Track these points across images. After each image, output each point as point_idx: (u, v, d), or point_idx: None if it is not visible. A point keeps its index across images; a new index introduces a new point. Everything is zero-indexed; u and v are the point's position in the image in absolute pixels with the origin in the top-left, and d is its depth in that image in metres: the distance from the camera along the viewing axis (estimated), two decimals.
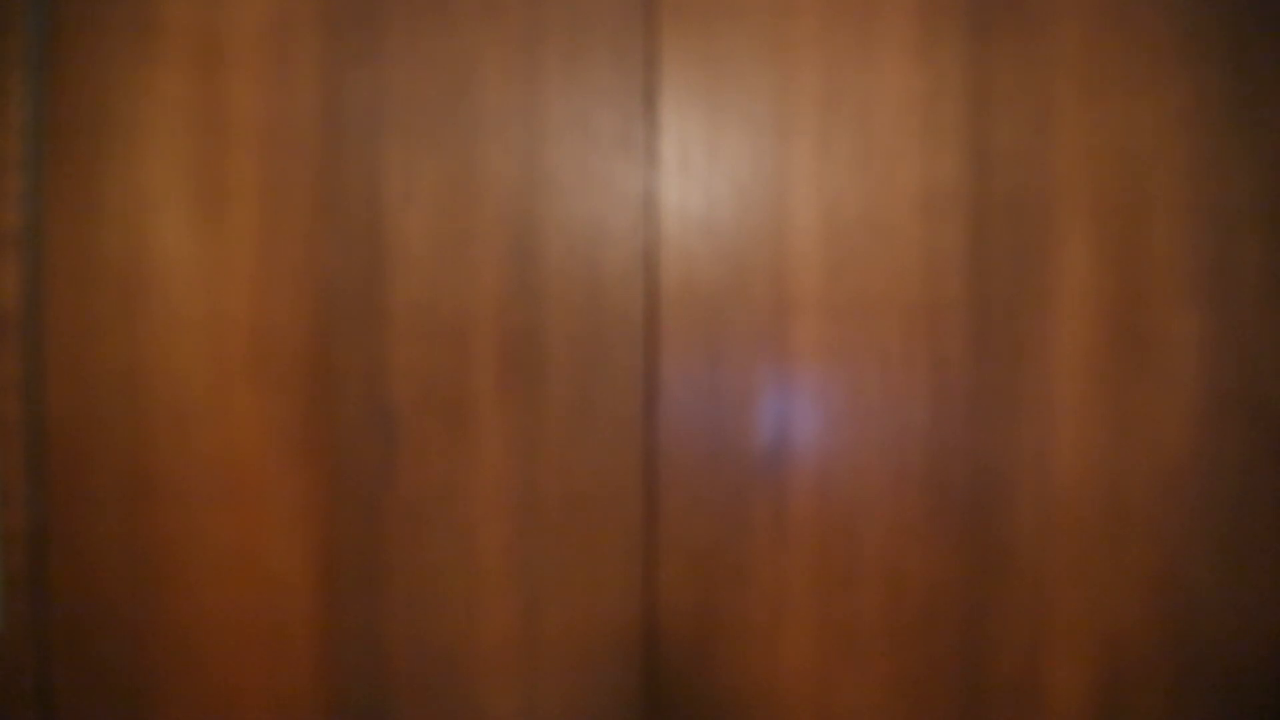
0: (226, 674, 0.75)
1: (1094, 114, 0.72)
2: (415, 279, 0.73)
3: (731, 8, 0.72)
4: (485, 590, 0.74)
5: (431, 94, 0.73)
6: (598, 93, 0.73)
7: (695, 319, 0.73)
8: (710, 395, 0.73)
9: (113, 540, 0.74)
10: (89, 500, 0.74)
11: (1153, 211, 0.72)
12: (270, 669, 0.74)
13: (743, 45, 0.73)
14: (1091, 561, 0.73)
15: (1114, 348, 0.72)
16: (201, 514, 0.74)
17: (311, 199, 0.73)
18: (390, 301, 0.73)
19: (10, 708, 0.74)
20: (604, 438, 0.73)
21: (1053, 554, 0.73)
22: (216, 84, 0.73)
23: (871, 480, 0.73)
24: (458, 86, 0.73)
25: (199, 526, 0.74)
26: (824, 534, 0.73)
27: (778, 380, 0.73)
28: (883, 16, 0.72)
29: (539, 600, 0.74)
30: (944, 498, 0.73)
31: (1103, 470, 0.72)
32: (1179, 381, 0.72)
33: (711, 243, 0.73)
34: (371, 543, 0.74)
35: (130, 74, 0.73)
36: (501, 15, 0.73)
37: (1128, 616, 0.73)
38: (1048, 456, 0.72)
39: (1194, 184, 0.72)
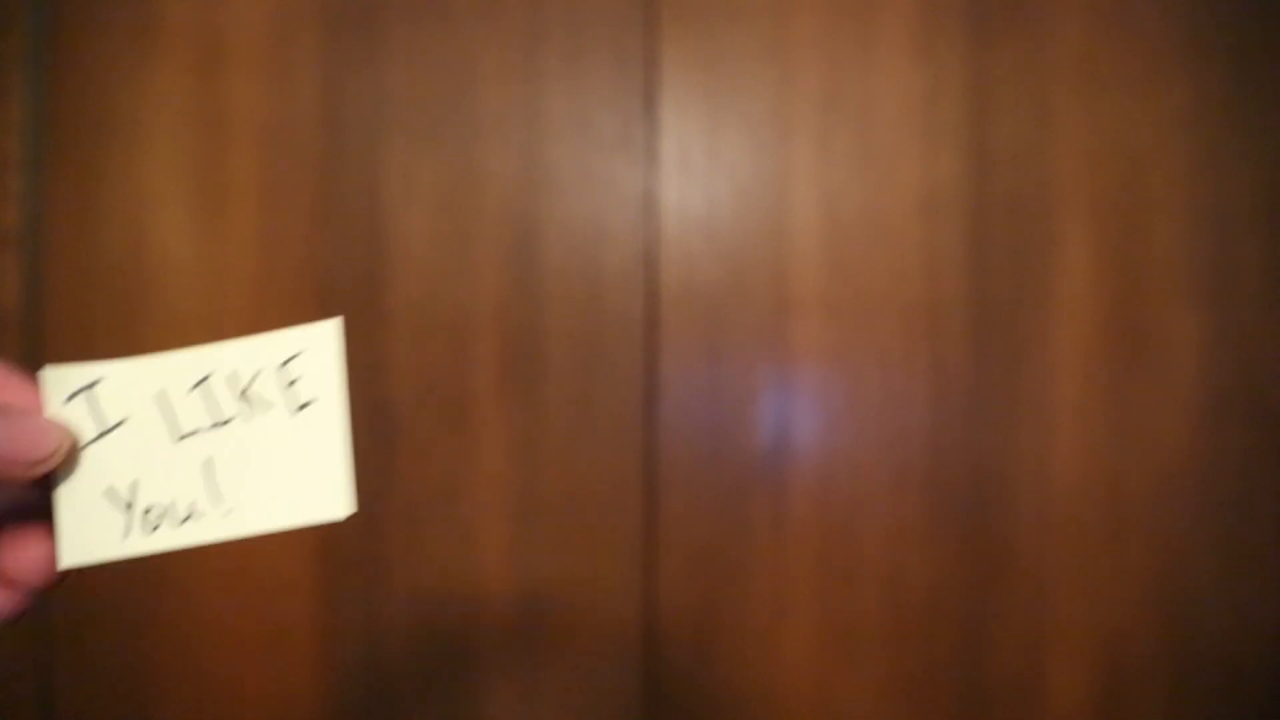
0: (226, 674, 0.75)
1: (1094, 114, 0.72)
2: (415, 279, 0.73)
3: (731, 8, 0.72)
4: (485, 590, 0.74)
5: (431, 94, 0.73)
6: (598, 93, 0.73)
7: (695, 319, 0.73)
8: (710, 395, 0.73)
9: None
10: None
11: (1153, 211, 0.72)
12: (270, 669, 0.74)
13: (743, 45, 0.73)
14: (1091, 561, 0.73)
15: (1114, 348, 0.72)
16: None
17: (311, 199, 0.73)
18: (390, 301, 0.73)
19: (10, 708, 0.74)
20: (604, 438, 0.73)
21: (1053, 554, 0.73)
22: (216, 84, 0.73)
23: (871, 480, 0.73)
24: (458, 86, 0.73)
25: None
26: (824, 534, 0.73)
27: (778, 380, 0.73)
28: (883, 17, 0.72)
29: (539, 600, 0.74)
30: (944, 497, 0.73)
31: (1103, 470, 0.72)
32: (1179, 381, 0.72)
33: (711, 243, 0.73)
34: (371, 543, 0.74)
35: (130, 74, 0.73)
36: (501, 15, 0.73)
37: (1128, 616, 0.73)
38: (1047, 456, 0.72)
39: (1194, 184, 0.72)
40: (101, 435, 0.30)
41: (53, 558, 0.29)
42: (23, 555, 0.29)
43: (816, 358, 0.73)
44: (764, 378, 0.73)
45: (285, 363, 0.30)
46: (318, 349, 0.31)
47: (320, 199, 0.73)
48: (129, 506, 0.30)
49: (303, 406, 0.31)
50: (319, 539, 0.74)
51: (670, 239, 0.73)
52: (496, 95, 0.73)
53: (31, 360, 0.73)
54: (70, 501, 0.30)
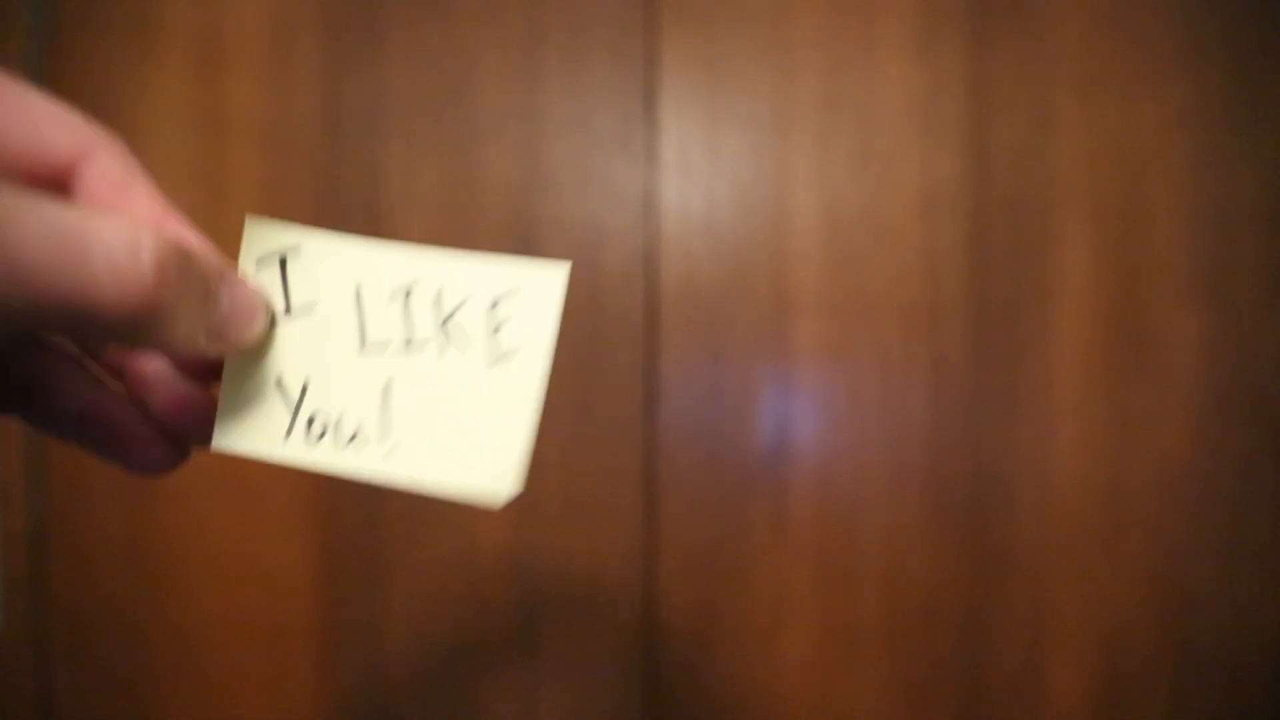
0: (226, 674, 0.75)
1: (1094, 114, 0.72)
2: None
3: (731, 8, 0.72)
4: (485, 590, 0.74)
5: (431, 94, 0.73)
6: (598, 93, 0.73)
7: (695, 319, 0.73)
8: (710, 395, 0.73)
9: (113, 540, 0.74)
10: (89, 500, 0.74)
11: (1153, 211, 0.72)
12: (270, 669, 0.74)
13: (743, 45, 0.73)
14: (1091, 561, 0.73)
15: (1114, 348, 0.72)
16: (201, 514, 0.74)
17: (312, 199, 0.73)
18: None
19: (10, 708, 0.74)
20: (604, 438, 0.73)
21: (1053, 554, 0.73)
22: (216, 84, 0.73)
23: (871, 480, 0.73)
24: (458, 86, 0.73)
25: (199, 526, 0.74)
26: (824, 534, 0.73)
27: (778, 380, 0.73)
28: (883, 17, 0.72)
29: (539, 600, 0.74)
30: (944, 497, 0.73)
31: (1103, 470, 0.72)
32: (1179, 381, 0.72)
33: (711, 243, 0.73)
34: (371, 543, 0.74)
35: (130, 74, 0.73)
36: (501, 15, 0.73)
37: (1128, 616, 0.73)
38: (1048, 456, 0.73)
39: (1194, 184, 0.72)
40: (287, 315, 0.26)
41: (212, 418, 0.26)
42: (187, 412, 0.25)
43: (816, 358, 0.73)
44: (764, 378, 0.73)
45: (497, 301, 0.26)
46: (537, 294, 0.26)
47: (320, 199, 0.73)
48: (296, 407, 0.26)
49: (502, 357, 0.26)
50: (319, 539, 0.74)
51: (670, 239, 0.73)
52: (496, 95, 0.73)
53: None
54: (238, 381, 0.26)
